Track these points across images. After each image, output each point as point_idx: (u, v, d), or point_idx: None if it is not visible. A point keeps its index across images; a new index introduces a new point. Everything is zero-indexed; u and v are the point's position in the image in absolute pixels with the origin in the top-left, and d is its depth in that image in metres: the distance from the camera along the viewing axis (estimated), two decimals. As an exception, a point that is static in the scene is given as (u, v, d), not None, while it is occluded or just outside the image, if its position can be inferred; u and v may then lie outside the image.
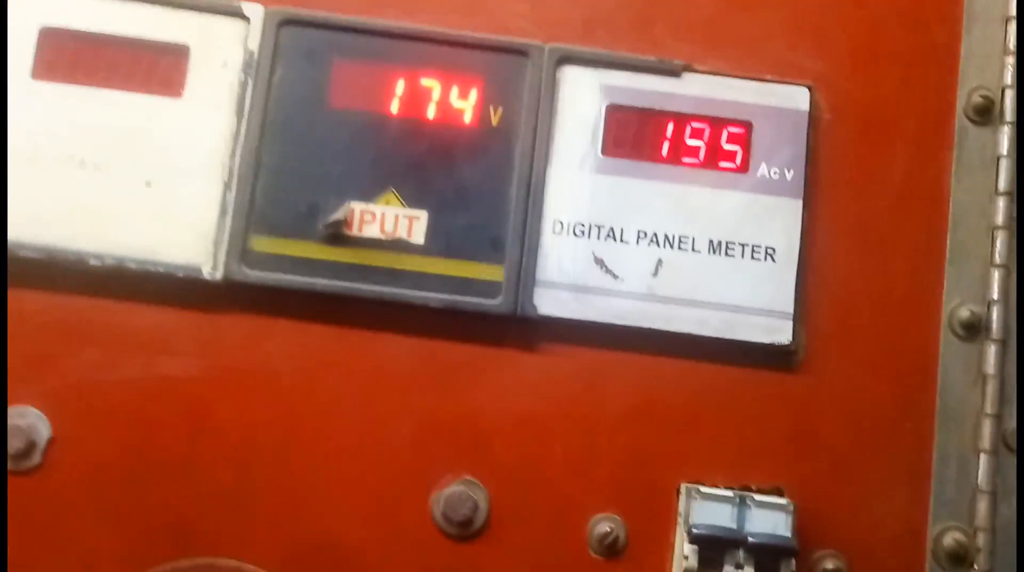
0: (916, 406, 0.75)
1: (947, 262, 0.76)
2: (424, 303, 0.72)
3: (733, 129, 0.76)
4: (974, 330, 0.75)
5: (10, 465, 0.69)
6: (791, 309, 0.75)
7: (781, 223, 0.76)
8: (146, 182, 0.72)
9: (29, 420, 0.70)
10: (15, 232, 0.71)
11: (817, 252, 0.76)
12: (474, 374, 0.73)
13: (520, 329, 0.74)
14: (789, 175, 0.76)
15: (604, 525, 0.72)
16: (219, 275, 0.71)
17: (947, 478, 0.74)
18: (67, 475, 0.70)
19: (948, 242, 0.77)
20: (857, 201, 0.77)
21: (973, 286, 0.76)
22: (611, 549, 0.72)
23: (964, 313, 0.75)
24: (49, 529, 0.70)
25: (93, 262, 0.71)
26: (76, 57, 0.73)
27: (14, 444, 0.69)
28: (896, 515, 0.74)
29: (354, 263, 0.73)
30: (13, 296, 0.71)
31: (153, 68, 0.73)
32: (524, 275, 0.73)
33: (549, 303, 0.74)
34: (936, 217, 0.77)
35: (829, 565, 0.72)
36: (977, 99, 0.78)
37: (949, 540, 0.73)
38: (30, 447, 0.69)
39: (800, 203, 0.76)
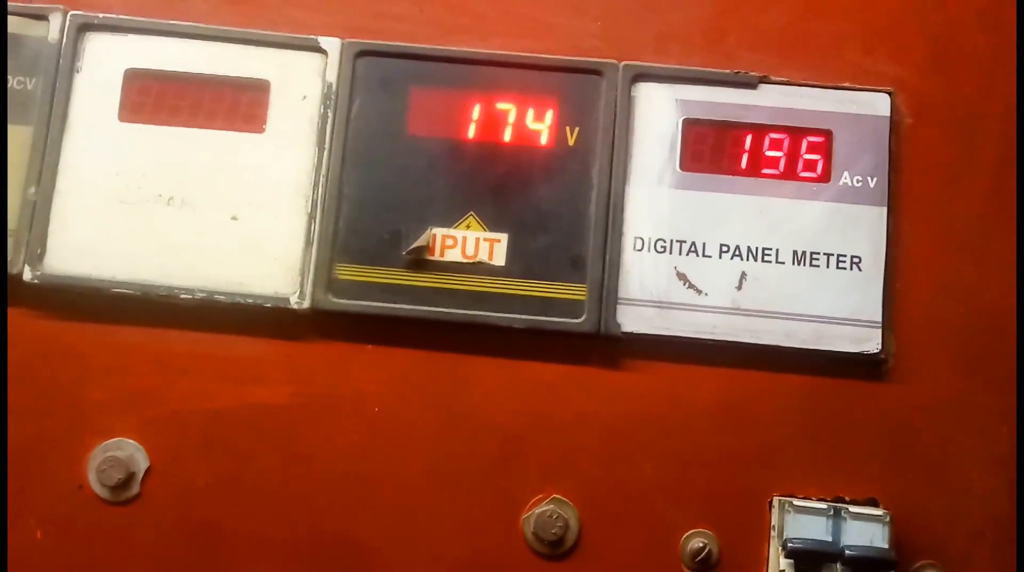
0: (1011, 411, 0.73)
1: (1036, 263, 0.75)
2: (508, 325, 0.73)
3: (813, 138, 0.76)
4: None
5: (110, 496, 0.71)
6: (879, 317, 0.74)
7: (866, 231, 0.75)
8: (232, 216, 0.73)
9: (128, 452, 0.72)
10: (111, 270, 0.73)
11: (904, 259, 0.75)
12: (560, 393, 0.73)
13: (604, 347, 0.74)
14: (872, 182, 0.75)
15: (697, 541, 0.72)
16: (306, 304, 0.72)
17: (1048, 485, 0.72)
18: (165, 504, 0.72)
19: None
20: (944, 206, 0.76)
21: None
22: (704, 565, 0.71)
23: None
24: (149, 557, 0.71)
25: (184, 296, 0.73)
26: (160, 97, 0.75)
27: (114, 476, 0.71)
28: (995, 523, 0.72)
29: (437, 287, 0.74)
30: (110, 332, 0.73)
31: (235, 105, 0.75)
32: (606, 293, 0.73)
33: (633, 320, 0.73)
34: (1024, 213, 0.76)
35: (929, 575, 0.71)
36: (1063, 96, 0.76)
37: (1052, 549, 0.71)
38: (129, 478, 0.71)
39: (884, 210, 0.75)
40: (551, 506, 0.72)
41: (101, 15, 0.76)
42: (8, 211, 0.72)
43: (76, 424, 0.72)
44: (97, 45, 0.75)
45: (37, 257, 0.72)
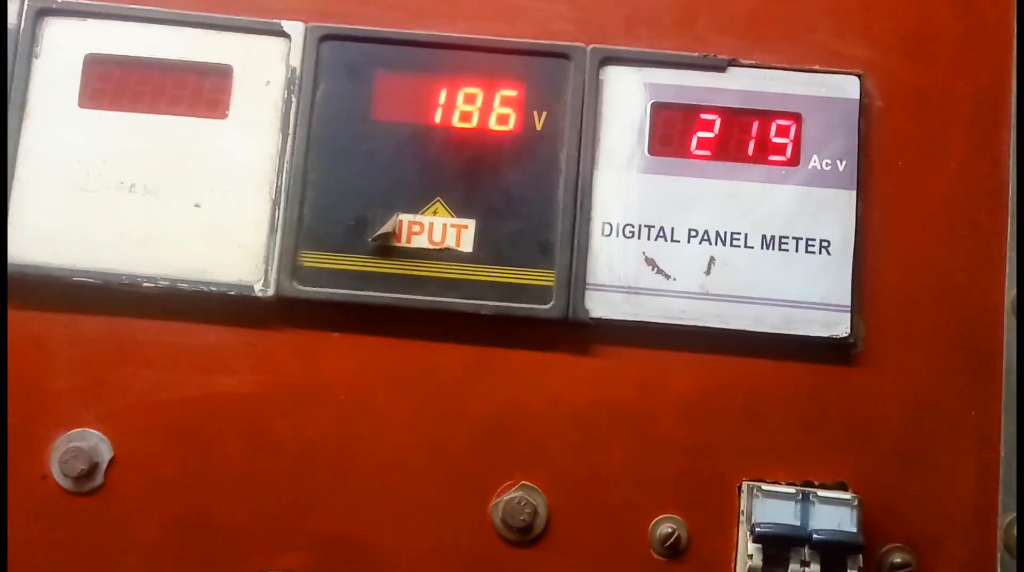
0: (981, 394, 0.73)
1: (1008, 246, 0.75)
2: (476, 311, 0.72)
3: (782, 122, 0.75)
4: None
5: (74, 487, 0.71)
6: (848, 301, 0.73)
7: (835, 215, 0.74)
8: (195, 203, 0.73)
9: (91, 442, 0.71)
10: (72, 259, 0.72)
11: (873, 243, 0.74)
12: (528, 379, 0.73)
13: (573, 333, 0.73)
14: (842, 166, 0.75)
15: (666, 526, 0.71)
16: (271, 292, 0.72)
17: (1016, 466, 0.72)
18: (129, 494, 0.71)
19: (1009, 226, 0.75)
20: (913, 189, 0.75)
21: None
22: (673, 550, 0.71)
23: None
24: (114, 548, 0.71)
25: (147, 285, 0.72)
26: (121, 83, 0.74)
27: (77, 466, 0.70)
28: (964, 506, 0.72)
29: (404, 274, 0.73)
30: (71, 321, 0.72)
31: (198, 90, 0.74)
32: (575, 279, 0.73)
33: (601, 306, 0.73)
34: (996, 199, 0.75)
35: (897, 559, 0.71)
36: (1033, 78, 0.76)
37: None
38: (93, 468, 0.71)
39: (854, 194, 0.74)
40: (520, 493, 0.71)
41: (60, 0, 0.74)
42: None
43: (38, 414, 0.72)
44: (56, 30, 0.74)
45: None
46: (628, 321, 0.73)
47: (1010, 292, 0.74)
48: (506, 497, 0.71)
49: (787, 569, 0.69)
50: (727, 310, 0.73)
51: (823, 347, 0.73)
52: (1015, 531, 0.71)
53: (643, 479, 0.72)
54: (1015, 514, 0.72)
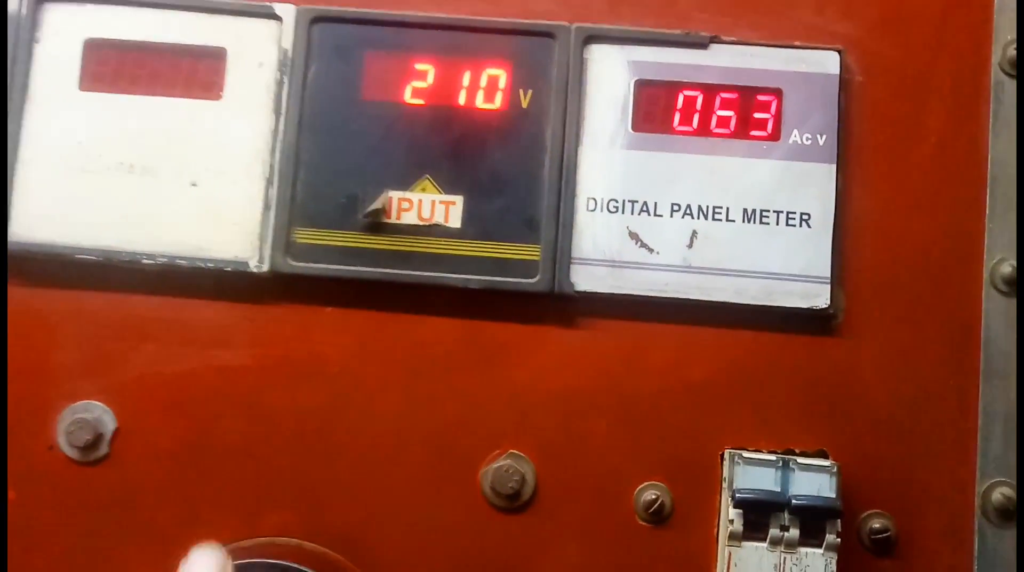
0: (960, 364, 0.75)
1: (987, 218, 0.76)
2: (464, 285, 0.74)
3: (763, 97, 0.76)
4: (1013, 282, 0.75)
5: (79, 457, 0.74)
6: (828, 273, 0.75)
7: (816, 189, 0.76)
8: (192, 183, 0.75)
9: (95, 414, 0.74)
10: (74, 238, 0.74)
11: (853, 215, 0.76)
12: (516, 352, 0.75)
13: (558, 306, 0.75)
14: (822, 140, 0.76)
15: (650, 493, 0.74)
16: (265, 268, 0.74)
17: (994, 434, 0.74)
18: (133, 464, 0.74)
19: (988, 198, 0.76)
20: (893, 162, 0.77)
21: (1015, 241, 0.75)
22: (657, 516, 0.73)
23: (1006, 269, 0.75)
24: (119, 516, 0.74)
25: (146, 262, 0.74)
26: (120, 66, 0.76)
27: (83, 436, 0.73)
28: (943, 473, 0.74)
29: (394, 250, 0.75)
30: (74, 298, 0.75)
31: (193, 73, 0.76)
32: (560, 253, 0.75)
33: (586, 279, 0.75)
34: (975, 173, 0.76)
35: (876, 524, 0.73)
36: (1012, 52, 0.77)
37: (997, 496, 0.73)
38: (97, 439, 0.73)
39: (834, 168, 0.76)
40: (508, 461, 0.74)
41: (60, -14, 0.77)
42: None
43: (44, 387, 0.74)
44: (56, 16, 0.76)
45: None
46: (612, 294, 0.75)
47: (988, 263, 0.75)
48: (495, 465, 0.74)
49: (767, 534, 0.71)
50: (709, 282, 0.75)
51: (804, 318, 0.75)
52: (992, 497, 0.73)
53: (628, 448, 0.74)
54: (994, 481, 0.74)
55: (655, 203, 0.76)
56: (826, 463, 0.72)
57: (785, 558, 0.71)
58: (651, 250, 0.75)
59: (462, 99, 0.76)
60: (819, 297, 0.75)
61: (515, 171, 0.76)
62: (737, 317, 0.75)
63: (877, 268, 0.76)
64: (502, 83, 0.76)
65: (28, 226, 0.74)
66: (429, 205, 0.75)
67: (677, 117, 0.76)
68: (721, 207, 0.76)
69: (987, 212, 0.76)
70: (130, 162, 0.75)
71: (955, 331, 0.75)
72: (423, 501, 0.74)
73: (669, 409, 0.75)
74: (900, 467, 0.74)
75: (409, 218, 0.75)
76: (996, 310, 0.75)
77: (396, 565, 0.74)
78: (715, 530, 0.73)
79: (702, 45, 0.77)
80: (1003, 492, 0.73)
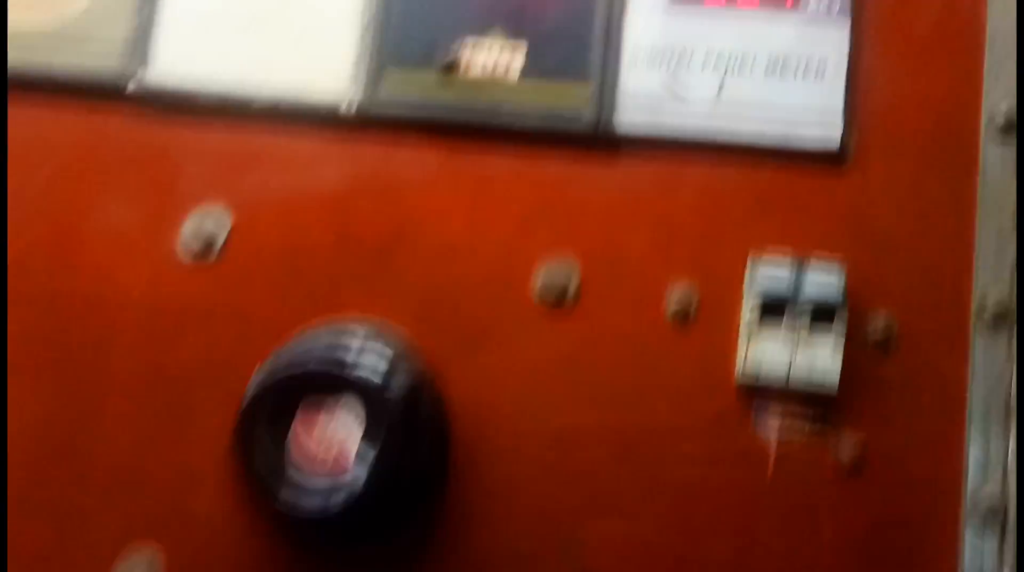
0: (959, 192, 0.85)
1: (985, 66, 0.87)
2: (522, 124, 0.87)
3: (784, -31, 0.89)
4: (1011, 127, 0.85)
5: (197, 258, 0.87)
6: (840, 117, 0.86)
7: (831, 45, 0.87)
8: (297, 37, 0.90)
9: (212, 222, 0.87)
10: (200, 82, 0.89)
11: (864, 65, 0.87)
12: (566, 180, 0.87)
13: (603, 144, 0.87)
14: (837, 5, 0.88)
15: (680, 292, 0.84)
16: (354, 110, 0.88)
17: (989, 249, 0.84)
18: (242, 265, 0.87)
19: (986, 48, 0.87)
20: (901, 19, 0.88)
21: (1014, 88, 0.86)
22: (685, 316, 0.84)
23: (1003, 107, 0.85)
24: (231, 303, 0.87)
25: (256, 104, 0.89)
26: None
27: (201, 241, 0.87)
28: (943, 280, 0.84)
29: (463, 96, 0.88)
30: (199, 130, 0.89)
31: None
32: (606, 99, 0.87)
33: (627, 122, 0.87)
34: (975, 27, 0.87)
35: (881, 322, 0.83)
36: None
37: (992, 298, 0.82)
38: (213, 244, 0.87)
39: (847, 24, 0.87)
40: (557, 264, 0.85)
41: None
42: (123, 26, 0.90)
43: (170, 200, 0.88)
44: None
45: (141, 70, 0.89)
46: (650, 135, 0.87)
47: (987, 106, 0.86)
48: (546, 266, 0.85)
49: (781, 325, 0.81)
50: (735, 126, 0.87)
51: (817, 157, 0.86)
52: (988, 303, 0.82)
53: (662, 257, 0.86)
54: (989, 288, 0.83)
55: (690, 56, 0.88)
56: (834, 266, 0.82)
57: (797, 348, 0.81)
58: (684, 99, 0.87)
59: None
60: (832, 138, 0.86)
61: (572, 25, 0.88)
62: (759, 155, 0.86)
63: (885, 112, 0.87)
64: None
65: (163, 72, 0.89)
66: (497, 51, 0.88)
67: (709, -12, 0.89)
68: (746, 61, 0.87)
69: (985, 61, 0.87)
70: (246, 22, 0.90)
71: (955, 164, 0.86)
72: (486, 294, 0.86)
73: (700, 226, 0.86)
74: (904, 274, 0.84)
75: (479, 63, 0.88)
76: (992, 148, 0.85)
77: (453, 358, 0.86)
78: (737, 325, 0.84)
79: (730, -73, 0.90)
80: (996, 298, 0.82)
